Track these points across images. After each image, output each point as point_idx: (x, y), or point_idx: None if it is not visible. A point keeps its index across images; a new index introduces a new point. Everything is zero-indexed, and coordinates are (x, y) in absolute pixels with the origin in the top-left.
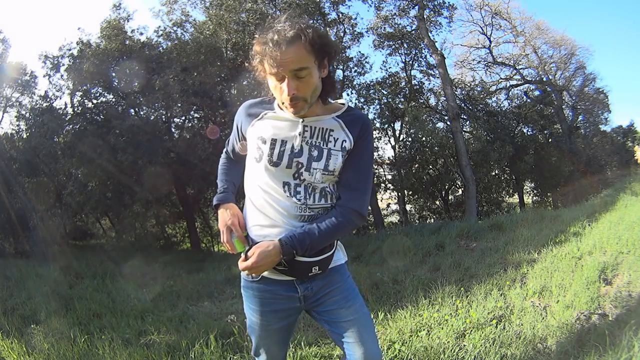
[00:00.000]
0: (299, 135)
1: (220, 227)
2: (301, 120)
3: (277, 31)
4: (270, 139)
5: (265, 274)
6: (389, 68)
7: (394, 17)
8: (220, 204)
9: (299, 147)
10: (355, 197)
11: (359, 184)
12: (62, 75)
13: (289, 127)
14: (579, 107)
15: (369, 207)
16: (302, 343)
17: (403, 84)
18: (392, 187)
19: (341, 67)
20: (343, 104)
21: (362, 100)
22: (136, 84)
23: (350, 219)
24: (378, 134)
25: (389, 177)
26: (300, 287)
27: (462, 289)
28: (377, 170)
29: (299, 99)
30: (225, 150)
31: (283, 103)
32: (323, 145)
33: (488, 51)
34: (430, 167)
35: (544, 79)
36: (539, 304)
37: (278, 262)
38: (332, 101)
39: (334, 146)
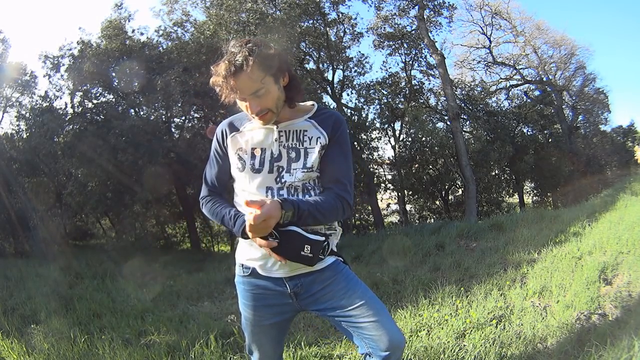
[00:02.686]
0: (276, 140)
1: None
2: (275, 126)
3: (229, 61)
4: (251, 148)
5: (257, 269)
6: (389, 68)
7: (394, 17)
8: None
9: (278, 152)
10: (344, 189)
11: (344, 178)
12: (62, 75)
13: (266, 135)
14: (579, 107)
15: (369, 207)
16: (302, 343)
17: (403, 84)
18: (392, 187)
19: (341, 67)
20: (313, 105)
21: (362, 100)
22: (136, 84)
23: (342, 205)
24: (378, 134)
25: (389, 177)
26: (289, 283)
27: (462, 289)
28: (377, 170)
29: (265, 111)
30: (206, 189)
31: (254, 117)
32: (299, 145)
33: (488, 51)
34: (430, 167)
35: (544, 79)
36: (539, 304)
37: (276, 221)
38: (301, 104)
39: (310, 144)
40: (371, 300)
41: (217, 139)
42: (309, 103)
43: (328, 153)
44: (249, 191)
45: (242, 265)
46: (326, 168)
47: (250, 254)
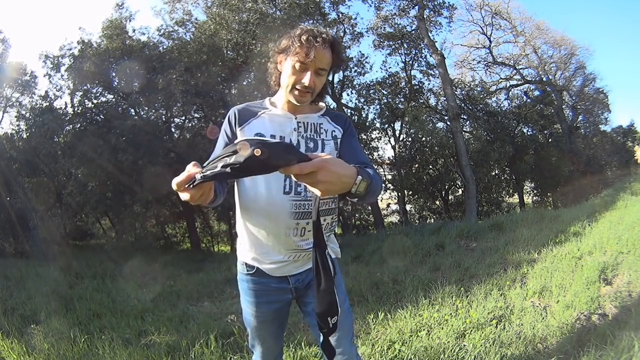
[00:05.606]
0: (295, 130)
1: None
2: (294, 117)
3: (322, 33)
4: (270, 134)
5: (263, 268)
6: (389, 68)
7: (394, 17)
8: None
9: (296, 141)
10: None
11: (368, 161)
12: (62, 75)
13: (285, 123)
14: (579, 107)
15: (369, 207)
16: (302, 343)
17: (403, 84)
18: (392, 187)
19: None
20: (322, 107)
21: (362, 100)
22: (137, 84)
23: (381, 184)
24: (378, 134)
25: (389, 177)
26: (291, 279)
27: (462, 289)
28: (377, 170)
29: (310, 90)
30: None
31: (292, 90)
32: (317, 137)
33: (488, 51)
34: (430, 167)
35: (544, 79)
36: (539, 304)
37: (350, 183)
38: (316, 105)
39: (326, 136)
40: (341, 314)
41: (228, 120)
42: (320, 104)
43: (346, 143)
44: (260, 183)
45: (245, 263)
46: (350, 155)
47: (253, 253)
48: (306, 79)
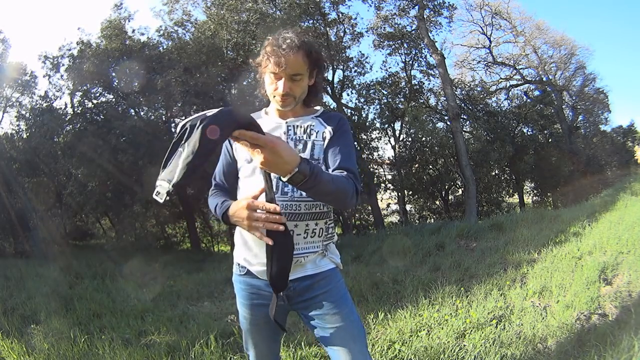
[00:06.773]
0: (284, 134)
1: (244, 217)
2: (284, 121)
3: (287, 38)
4: None
5: (252, 270)
6: (389, 68)
7: (394, 17)
8: (227, 209)
9: None
10: (354, 177)
11: (352, 166)
12: (62, 75)
13: (275, 129)
14: (579, 107)
15: (369, 207)
16: (302, 343)
17: (403, 84)
18: (392, 187)
19: (341, 67)
20: (319, 109)
21: (362, 100)
22: (136, 84)
23: (354, 188)
24: (378, 134)
25: (389, 177)
26: None
27: (462, 289)
28: (377, 170)
29: (290, 96)
30: (213, 184)
31: (274, 97)
32: (307, 138)
33: (488, 51)
34: (430, 167)
35: (544, 79)
36: (539, 304)
37: (288, 170)
38: (312, 107)
39: (316, 137)
40: (350, 325)
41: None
42: (316, 107)
43: (332, 144)
44: (252, 187)
45: (239, 264)
46: (332, 158)
47: (245, 254)
48: (280, 87)
